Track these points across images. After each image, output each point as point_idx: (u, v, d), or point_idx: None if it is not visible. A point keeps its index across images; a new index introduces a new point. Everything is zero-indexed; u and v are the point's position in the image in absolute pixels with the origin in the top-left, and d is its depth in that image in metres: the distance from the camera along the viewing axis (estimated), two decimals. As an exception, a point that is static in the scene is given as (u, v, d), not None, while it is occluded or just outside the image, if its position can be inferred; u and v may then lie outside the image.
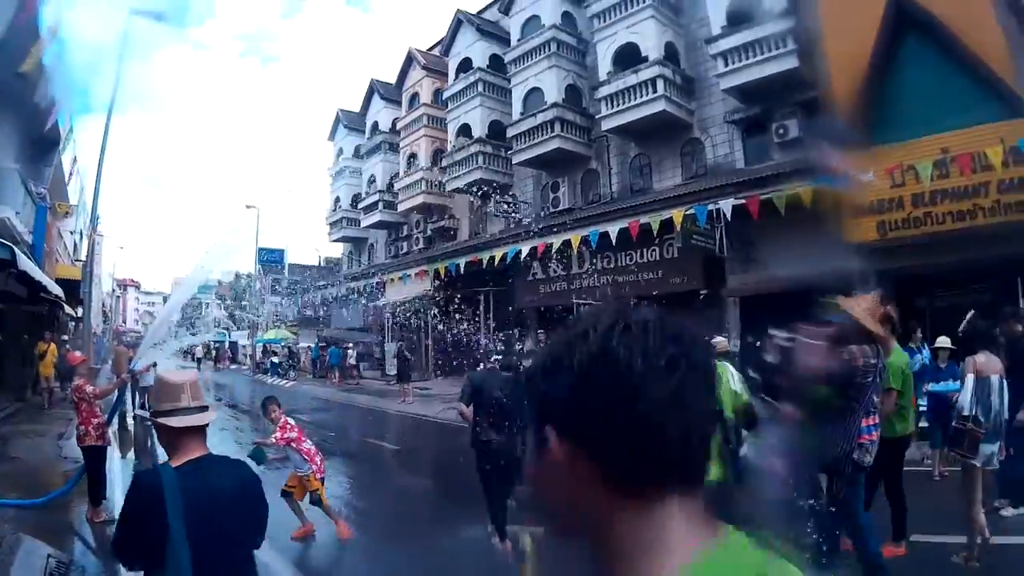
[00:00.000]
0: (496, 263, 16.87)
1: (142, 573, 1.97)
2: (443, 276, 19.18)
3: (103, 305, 44.96)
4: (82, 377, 5.83)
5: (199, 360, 39.54)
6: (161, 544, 1.79)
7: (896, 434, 4.19)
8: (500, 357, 6.09)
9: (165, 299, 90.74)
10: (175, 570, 1.81)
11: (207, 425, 2.00)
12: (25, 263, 7.65)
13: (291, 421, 5.39)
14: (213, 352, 41.04)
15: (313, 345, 28.41)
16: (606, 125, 16.41)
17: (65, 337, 18.93)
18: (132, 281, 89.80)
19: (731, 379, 3.58)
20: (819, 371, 2.99)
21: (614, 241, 13.90)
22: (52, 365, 12.33)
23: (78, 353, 5.65)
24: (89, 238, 15.66)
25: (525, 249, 15.90)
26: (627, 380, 0.58)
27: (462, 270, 18.13)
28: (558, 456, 0.60)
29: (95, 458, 5.49)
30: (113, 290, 64.53)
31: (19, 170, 11.73)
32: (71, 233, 20.71)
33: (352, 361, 24.14)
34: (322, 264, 40.34)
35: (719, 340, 4.85)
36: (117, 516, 2.70)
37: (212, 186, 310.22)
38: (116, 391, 6.48)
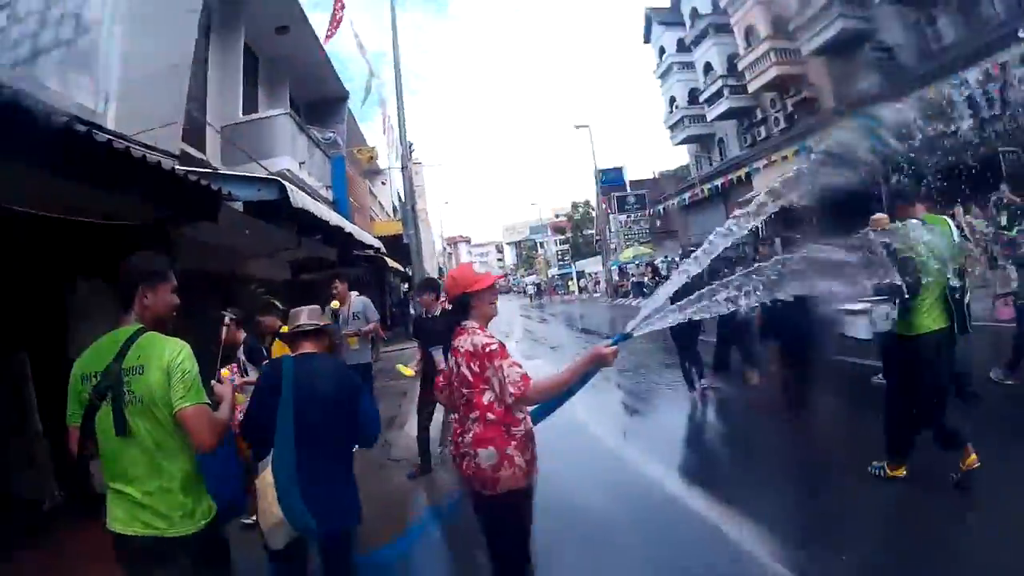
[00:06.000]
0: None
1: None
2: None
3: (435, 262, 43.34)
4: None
5: (531, 296, 44.05)
6: (274, 413, 2.39)
7: None
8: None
9: (497, 248, 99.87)
10: (283, 436, 2.36)
11: (315, 334, 2.74)
12: (303, 200, 6.30)
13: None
14: (536, 288, 44.91)
15: (678, 257, 27.18)
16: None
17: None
18: (462, 237, 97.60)
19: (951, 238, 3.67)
20: None
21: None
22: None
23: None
24: (405, 169, 13.83)
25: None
26: None
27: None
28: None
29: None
30: (444, 248, 67.51)
31: (293, 118, 10.26)
32: (382, 184, 20.34)
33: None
34: (664, 175, 37.79)
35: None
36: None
37: (537, 127, 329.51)
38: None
